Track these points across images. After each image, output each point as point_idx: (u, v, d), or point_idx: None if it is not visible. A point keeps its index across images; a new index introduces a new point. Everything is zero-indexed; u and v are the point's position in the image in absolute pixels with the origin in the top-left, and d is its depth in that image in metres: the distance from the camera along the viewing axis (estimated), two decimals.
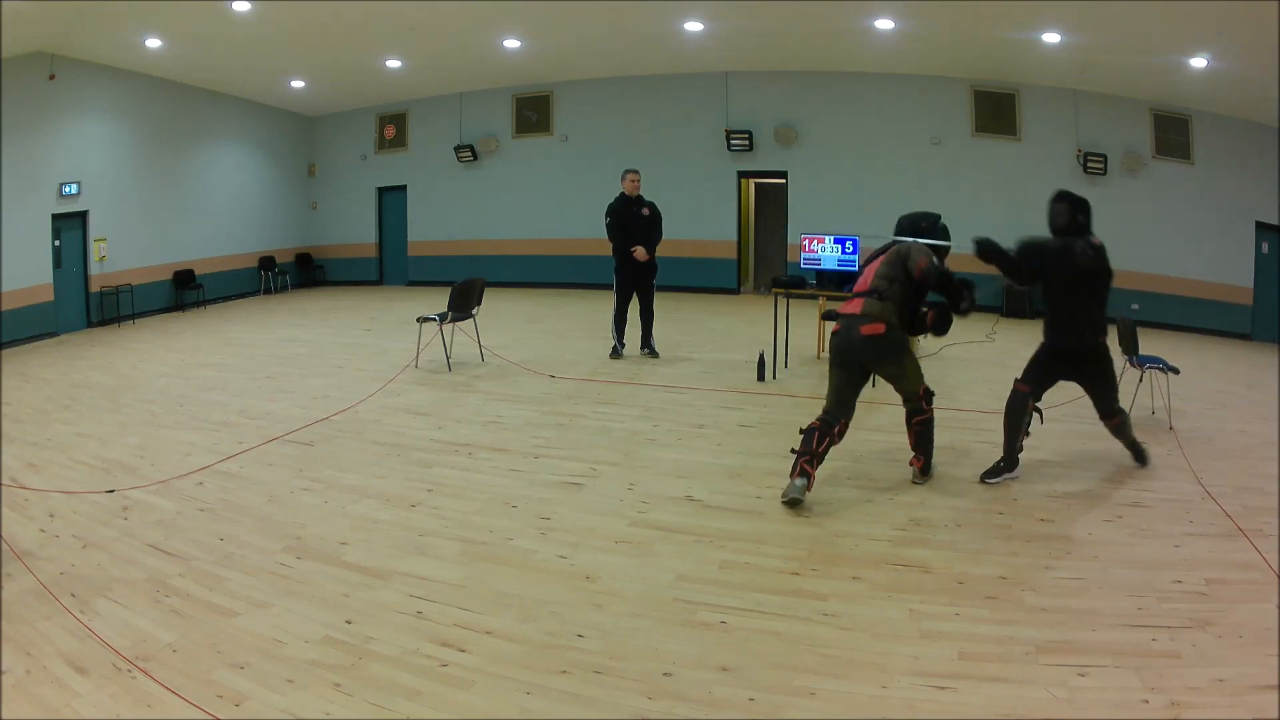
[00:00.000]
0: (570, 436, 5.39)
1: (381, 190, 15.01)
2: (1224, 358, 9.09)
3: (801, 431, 4.23)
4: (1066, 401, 5.66)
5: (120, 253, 11.24)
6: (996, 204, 11.28)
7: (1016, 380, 4.53)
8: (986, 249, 4.33)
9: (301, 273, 15.05)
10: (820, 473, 4.57)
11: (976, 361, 7.84)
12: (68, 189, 10.36)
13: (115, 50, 10.48)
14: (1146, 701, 2.48)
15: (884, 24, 9.82)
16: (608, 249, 7.53)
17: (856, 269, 4.60)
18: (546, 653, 2.83)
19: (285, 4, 9.36)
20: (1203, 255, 10.82)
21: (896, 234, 4.52)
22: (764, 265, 13.63)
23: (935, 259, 4.27)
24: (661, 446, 5.16)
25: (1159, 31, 8.58)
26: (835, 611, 3.08)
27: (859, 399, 4.42)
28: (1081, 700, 2.50)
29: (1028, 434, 4.57)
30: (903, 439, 5.23)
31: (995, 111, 11.63)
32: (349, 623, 3.05)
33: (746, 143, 12.57)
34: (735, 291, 13.18)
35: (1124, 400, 5.93)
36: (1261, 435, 5.54)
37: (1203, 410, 6.23)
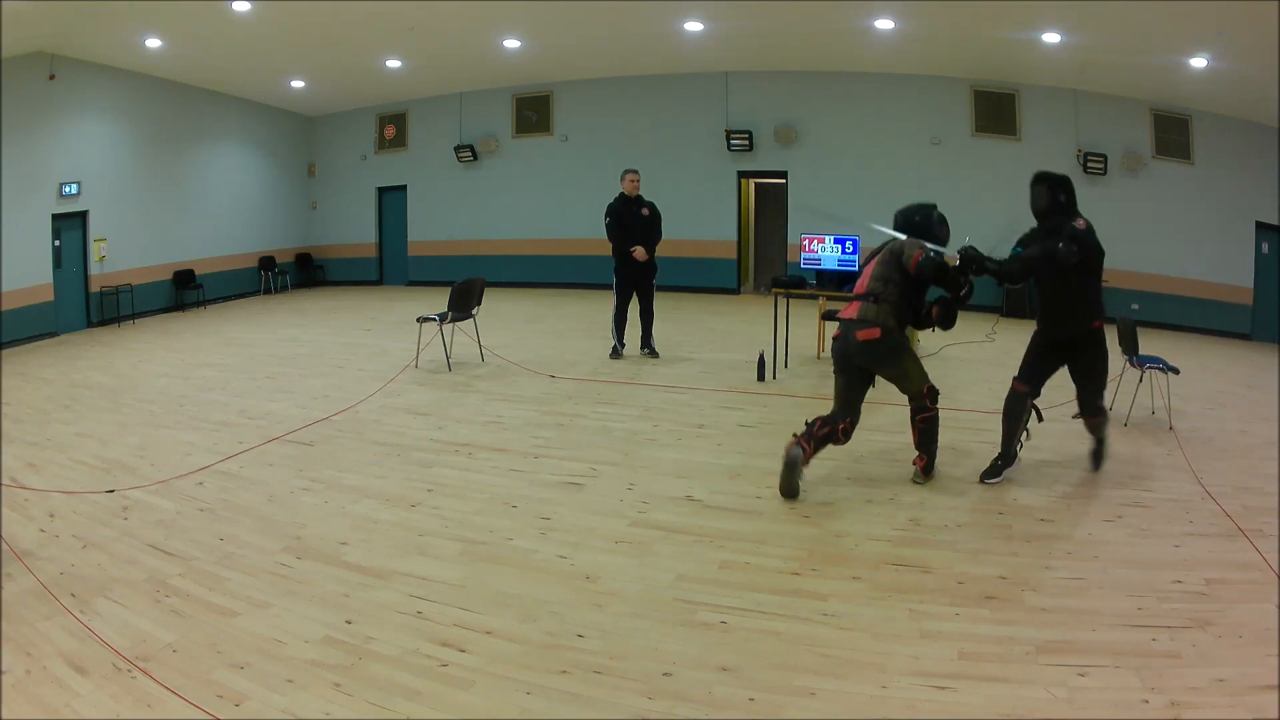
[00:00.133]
0: (570, 436, 5.39)
1: (381, 190, 15.01)
2: (1224, 358, 9.09)
3: (808, 423, 4.37)
4: (1067, 401, 5.65)
5: (120, 253, 11.24)
6: (996, 204, 11.27)
7: (1015, 380, 4.51)
8: (971, 262, 4.22)
9: (301, 273, 15.05)
10: (820, 472, 4.59)
11: (976, 361, 7.85)
12: (68, 189, 10.36)
13: (115, 50, 10.48)
14: (1146, 701, 2.48)
15: (884, 24, 9.82)
16: (608, 249, 7.53)
17: (857, 269, 4.57)
18: (546, 653, 2.83)
19: (285, 4, 9.36)
20: (1203, 255, 10.82)
21: (894, 229, 4.49)
22: (764, 265, 13.63)
23: (930, 251, 4.23)
24: (661, 446, 5.16)
25: (1159, 31, 8.58)
26: (835, 611, 3.08)
27: (865, 400, 4.45)
28: (1081, 700, 2.50)
29: (1028, 435, 4.56)
30: (903, 439, 5.24)
31: (995, 111, 11.62)
32: (349, 623, 3.05)
33: (746, 143, 12.57)
34: (735, 291, 13.18)
35: (1124, 400, 5.97)
36: (1261, 435, 5.54)
37: (1203, 410, 6.23)
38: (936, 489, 4.37)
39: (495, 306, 9.93)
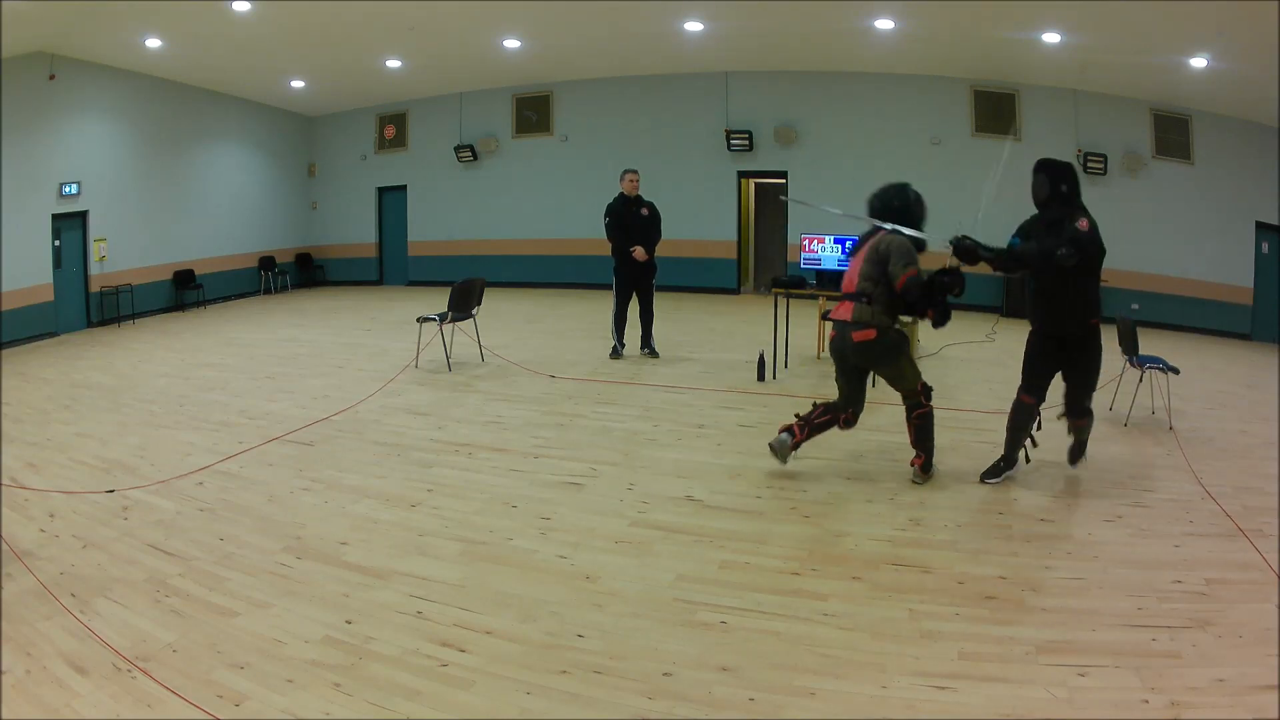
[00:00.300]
0: (570, 436, 5.39)
1: (381, 190, 15.01)
2: (1224, 358, 9.10)
3: (815, 405, 4.53)
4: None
5: (120, 253, 11.24)
6: (996, 204, 11.28)
7: (1020, 392, 4.38)
8: (965, 253, 4.17)
9: (301, 273, 15.05)
10: (820, 472, 4.59)
11: (976, 361, 7.85)
12: (68, 189, 10.36)
13: (115, 50, 10.48)
14: (1146, 701, 2.48)
15: (884, 24, 9.82)
16: (607, 249, 7.53)
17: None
18: (546, 653, 2.83)
19: (285, 4, 9.36)
20: (1203, 255, 10.83)
21: (869, 215, 4.39)
22: (764, 265, 13.63)
23: (916, 271, 4.13)
24: (661, 446, 5.16)
25: (1159, 31, 8.58)
26: (835, 611, 3.08)
27: (866, 401, 4.49)
28: (1081, 700, 2.50)
29: (1034, 443, 4.52)
30: (903, 438, 5.23)
31: (995, 111, 11.62)
32: (349, 623, 3.05)
33: (746, 143, 12.57)
34: (735, 291, 13.18)
35: (1124, 400, 5.97)
36: (1261, 435, 5.54)
37: (1203, 410, 6.23)
38: (936, 489, 4.37)
39: (495, 306, 9.94)
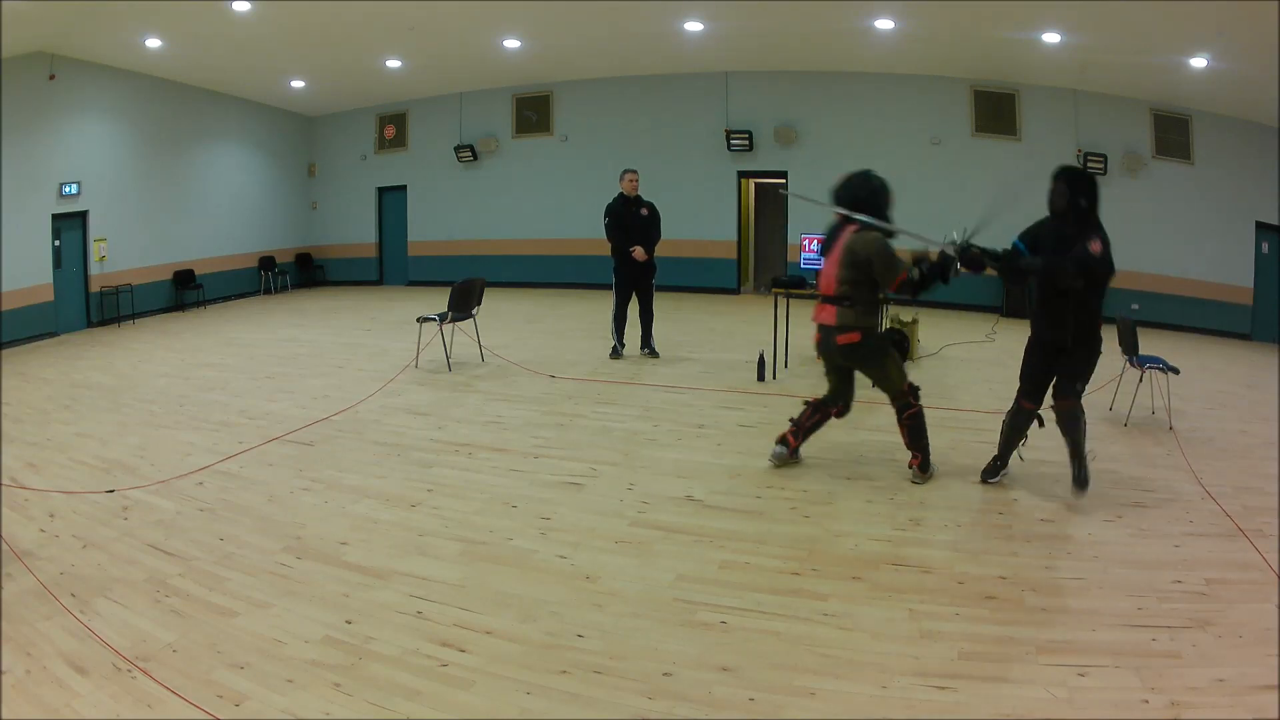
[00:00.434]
0: (570, 436, 5.39)
1: (381, 190, 15.01)
2: (1224, 358, 9.10)
3: (805, 403, 4.60)
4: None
5: (120, 253, 11.24)
6: (996, 205, 11.28)
7: (1020, 397, 4.30)
8: (972, 262, 4.08)
9: (301, 273, 15.05)
10: (820, 472, 4.59)
11: (976, 361, 7.84)
12: (68, 189, 10.36)
13: (115, 50, 10.48)
14: (1146, 701, 2.48)
15: (884, 24, 9.82)
16: (607, 249, 7.53)
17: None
18: (546, 653, 2.83)
19: (285, 4, 9.36)
20: (1203, 255, 10.83)
21: (836, 205, 4.33)
22: (764, 265, 13.63)
23: (906, 273, 4.08)
24: (661, 446, 5.16)
25: (1159, 31, 8.58)
26: (835, 611, 3.08)
27: (861, 395, 4.50)
28: (1081, 700, 2.50)
29: (1024, 440, 4.51)
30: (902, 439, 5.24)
31: (995, 111, 11.62)
32: (349, 623, 3.05)
33: (746, 143, 12.57)
34: (735, 291, 13.18)
35: (1124, 400, 5.97)
36: (1261, 435, 5.54)
37: (1203, 410, 6.23)
38: (936, 489, 4.37)
39: (495, 306, 9.93)
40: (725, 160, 12.82)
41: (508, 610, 3.14)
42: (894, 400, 4.44)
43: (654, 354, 7.77)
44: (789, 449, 4.66)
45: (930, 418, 5.64)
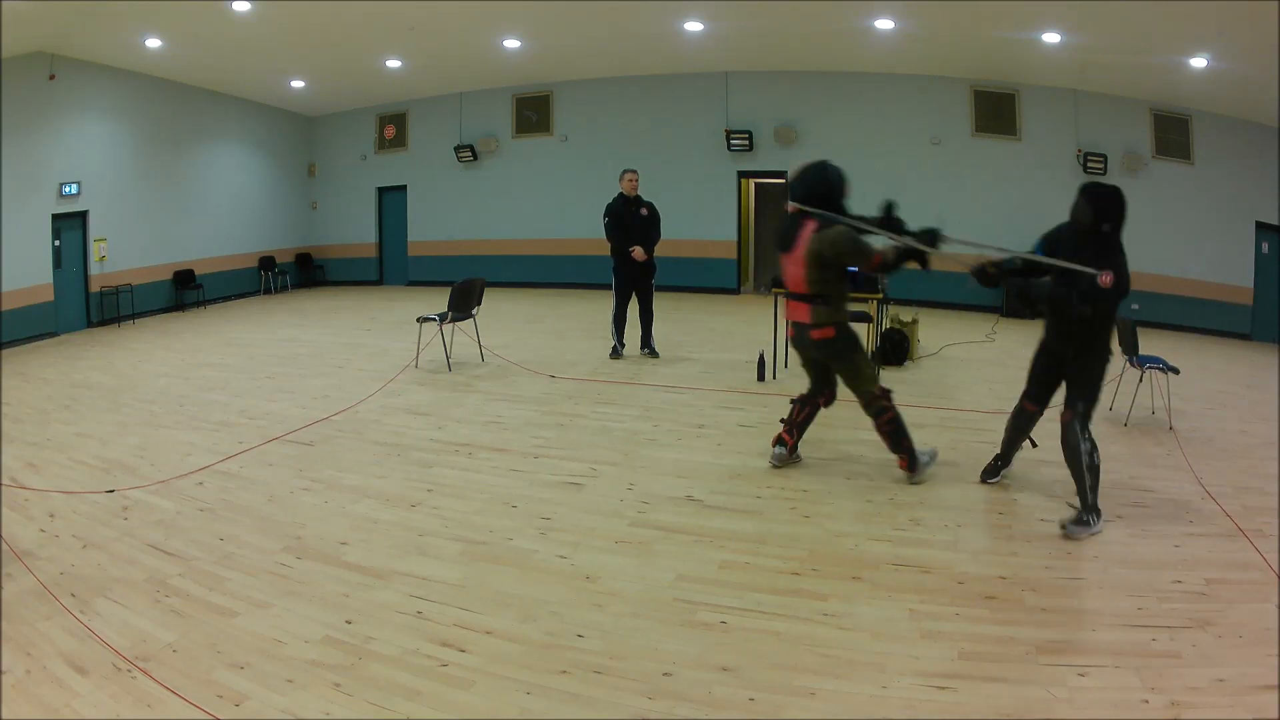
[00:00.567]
0: (570, 436, 5.39)
1: (381, 190, 15.01)
2: (1224, 358, 9.10)
3: (791, 401, 4.62)
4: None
5: (120, 253, 11.24)
6: (997, 204, 11.29)
7: (1024, 398, 4.26)
8: (988, 280, 4.02)
9: (301, 273, 15.05)
10: (820, 472, 4.59)
11: (976, 361, 7.84)
12: (68, 189, 10.36)
13: (115, 50, 10.48)
14: (1146, 701, 2.48)
15: (884, 24, 9.82)
16: (607, 249, 7.53)
17: (783, 247, 4.33)
18: (546, 653, 2.83)
19: (285, 4, 9.36)
20: (1203, 255, 10.82)
21: (793, 199, 4.30)
22: (764, 265, 13.63)
23: (880, 256, 4.05)
24: (661, 446, 5.16)
25: (1159, 31, 8.58)
26: (835, 611, 3.08)
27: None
28: (1081, 700, 2.50)
29: (1033, 444, 4.49)
30: None
31: (995, 111, 11.62)
32: (349, 623, 3.05)
33: (746, 143, 12.57)
34: (735, 291, 13.18)
35: (1124, 400, 5.97)
36: (1261, 435, 5.54)
37: (1203, 410, 6.23)
38: (936, 489, 4.37)
39: (495, 306, 9.94)
40: (725, 160, 12.81)
41: (508, 610, 3.14)
42: (867, 407, 4.40)
43: (654, 354, 7.77)
44: (787, 449, 4.67)
45: (930, 418, 5.69)
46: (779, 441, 4.68)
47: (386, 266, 15.24)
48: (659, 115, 13.05)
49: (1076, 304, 3.69)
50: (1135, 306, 10.55)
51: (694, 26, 10.56)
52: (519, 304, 11.72)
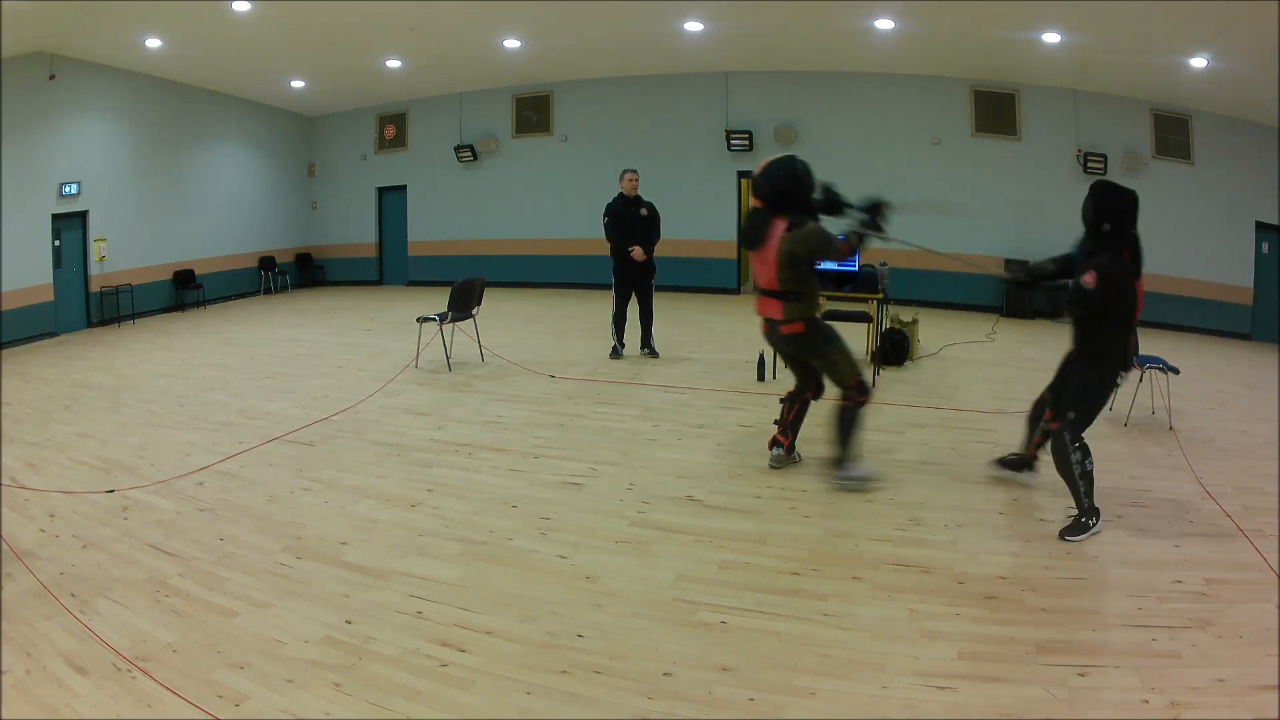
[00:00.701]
0: (570, 436, 5.39)
1: (381, 190, 15.01)
2: (1224, 358, 9.10)
3: (780, 401, 4.62)
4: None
5: (120, 253, 11.23)
6: (997, 204, 11.29)
7: (1049, 387, 4.20)
8: (1022, 286, 4.03)
9: (301, 273, 15.05)
10: (820, 472, 4.59)
11: (976, 361, 7.84)
12: (68, 189, 10.36)
13: (115, 50, 10.48)
14: (1146, 701, 2.48)
15: (884, 24, 9.82)
16: (607, 249, 7.52)
17: (748, 244, 4.30)
18: (546, 653, 2.83)
19: (285, 4, 9.36)
20: (1203, 255, 10.82)
21: (758, 196, 4.22)
22: None
23: (849, 246, 4.12)
24: (661, 446, 5.16)
25: (1159, 31, 8.58)
26: (835, 611, 3.09)
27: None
28: (1081, 700, 2.50)
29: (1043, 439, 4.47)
30: (903, 439, 5.26)
31: (995, 111, 11.62)
32: (349, 623, 3.05)
33: (746, 143, 12.57)
34: (735, 291, 13.17)
35: (1124, 400, 5.97)
36: (1261, 435, 5.54)
37: (1203, 410, 6.23)
38: (936, 489, 4.37)
39: (495, 306, 9.94)
40: (725, 160, 12.81)
41: (508, 610, 3.14)
42: (842, 393, 4.36)
43: (654, 354, 7.77)
44: (784, 449, 4.68)
45: (930, 418, 5.69)
46: (775, 444, 4.70)
47: (386, 266, 15.24)
48: (659, 115, 13.05)
49: (1066, 305, 3.73)
50: None
51: (694, 26, 10.56)
52: (519, 304, 11.72)
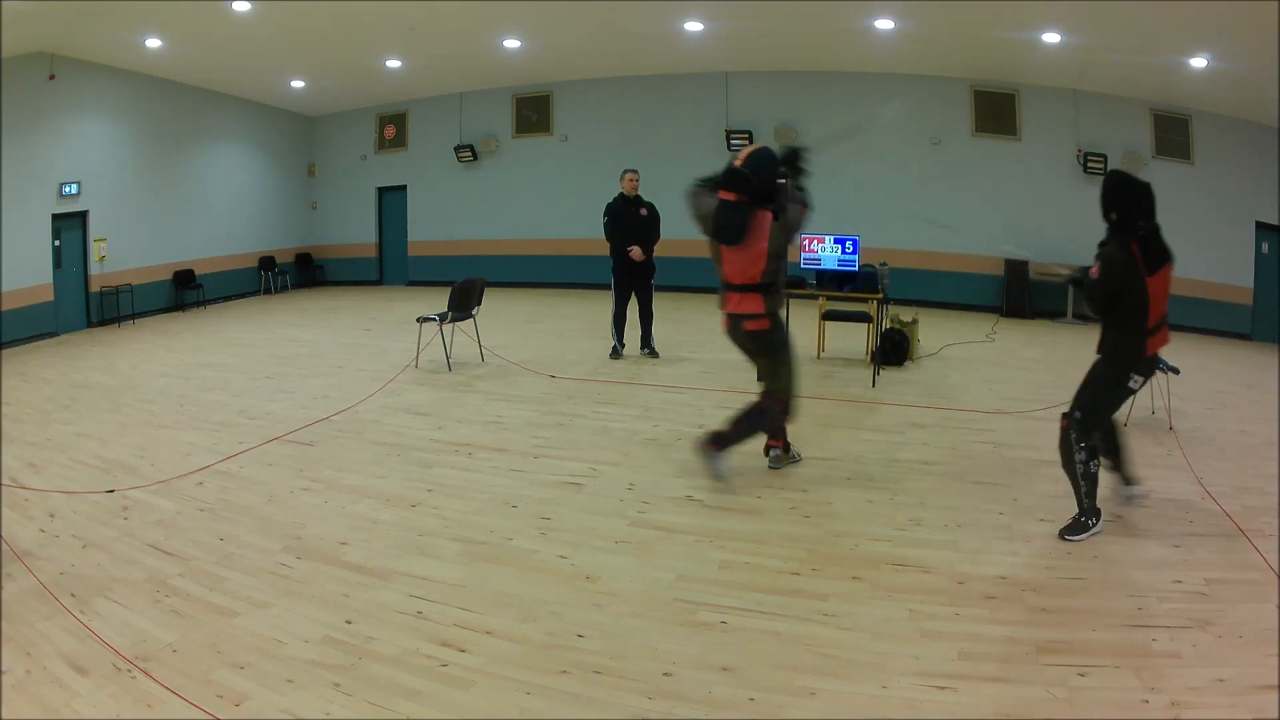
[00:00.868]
0: (570, 436, 5.39)
1: (381, 190, 15.01)
2: (1224, 358, 9.10)
3: (751, 412, 4.37)
4: (1068, 401, 5.66)
5: (120, 253, 11.23)
6: (997, 204, 11.29)
7: None
8: (1078, 284, 3.91)
9: (301, 273, 15.05)
10: (820, 472, 4.59)
11: (976, 361, 7.84)
12: (68, 189, 10.36)
13: (115, 50, 10.48)
14: (1146, 701, 2.48)
15: (884, 24, 9.82)
16: (607, 249, 7.53)
17: (731, 237, 4.19)
18: (546, 653, 2.83)
19: (285, 4, 9.36)
20: (1203, 255, 10.81)
21: (737, 189, 4.17)
22: None
23: (802, 205, 4.16)
24: (661, 446, 5.16)
25: (1159, 31, 8.58)
26: (835, 611, 3.08)
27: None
28: (1081, 700, 2.50)
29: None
30: (903, 439, 5.26)
31: (995, 111, 11.62)
32: (349, 623, 3.05)
33: (747, 143, 12.54)
34: None
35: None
36: (1261, 435, 5.54)
37: (1203, 410, 6.23)
38: (936, 489, 4.36)
39: (495, 306, 9.93)
40: (725, 160, 12.75)
41: (508, 610, 3.14)
42: (766, 394, 4.36)
43: (654, 354, 7.77)
44: (781, 450, 4.67)
45: (930, 418, 5.69)
46: (769, 449, 4.68)
47: (386, 266, 15.24)
48: (659, 115, 13.05)
49: (1084, 299, 3.69)
50: None
51: (694, 26, 10.56)
52: (519, 304, 11.72)
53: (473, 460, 4.93)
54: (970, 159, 11.73)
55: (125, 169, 11.42)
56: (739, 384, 6.75)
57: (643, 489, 4.40)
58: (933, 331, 8.89)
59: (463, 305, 7.53)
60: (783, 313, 4.30)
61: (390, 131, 14.72)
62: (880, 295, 6.99)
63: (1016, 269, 11.09)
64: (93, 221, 10.82)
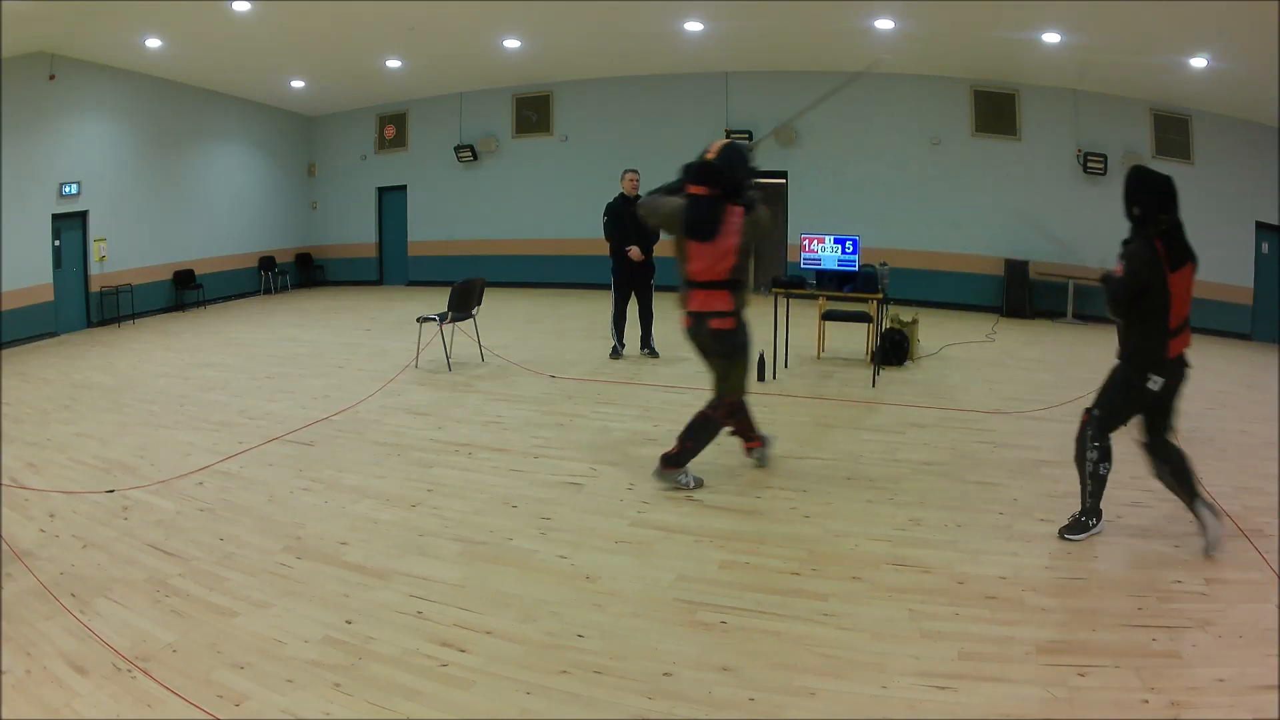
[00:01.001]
0: (570, 436, 5.39)
1: (381, 190, 15.01)
2: (1224, 358, 9.09)
3: (696, 425, 4.33)
4: (1067, 401, 5.66)
5: (120, 253, 11.24)
6: (997, 204, 11.28)
7: None
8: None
9: (301, 273, 15.05)
10: (820, 472, 4.59)
11: (976, 361, 7.84)
12: (68, 189, 10.36)
13: (115, 50, 10.48)
14: (1146, 701, 2.48)
15: (884, 24, 9.82)
16: (607, 249, 7.53)
17: (699, 234, 4.20)
18: (546, 653, 2.83)
19: (285, 4, 9.36)
20: (1203, 255, 10.73)
21: (708, 182, 4.26)
22: (764, 265, 13.61)
23: (760, 220, 4.15)
24: (661, 446, 5.12)
25: (1159, 31, 8.58)
26: (835, 611, 3.08)
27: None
28: (1081, 700, 2.50)
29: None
30: (903, 439, 5.26)
31: (995, 111, 11.62)
32: (349, 623, 3.05)
33: (747, 142, 12.56)
34: None
35: None
36: (1261, 435, 5.53)
37: (1203, 410, 6.22)
38: (936, 489, 4.36)
39: (495, 306, 9.93)
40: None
41: (508, 610, 3.13)
42: (718, 398, 4.33)
43: (654, 354, 7.77)
44: (761, 444, 4.60)
45: (930, 418, 5.69)
46: (749, 451, 4.64)
47: (386, 266, 15.24)
48: (659, 115, 13.04)
49: (1109, 299, 3.63)
50: None
51: (694, 26, 10.56)
52: (519, 304, 11.72)
53: (473, 460, 4.93)
54: (970, 159, 11.73)
55: (125, 169, 11.42)
56: None
57: (643, 489, 4.40)
58: (933, 331, 8.89)
59: (463, 305, 7.53)
60: (746, 313, 4.22)
61: (390, 131, 14.72)
62: (880, 295, 6.99)
63: (1016, 269, 11.11)
64: (93, 221, 10.83)
